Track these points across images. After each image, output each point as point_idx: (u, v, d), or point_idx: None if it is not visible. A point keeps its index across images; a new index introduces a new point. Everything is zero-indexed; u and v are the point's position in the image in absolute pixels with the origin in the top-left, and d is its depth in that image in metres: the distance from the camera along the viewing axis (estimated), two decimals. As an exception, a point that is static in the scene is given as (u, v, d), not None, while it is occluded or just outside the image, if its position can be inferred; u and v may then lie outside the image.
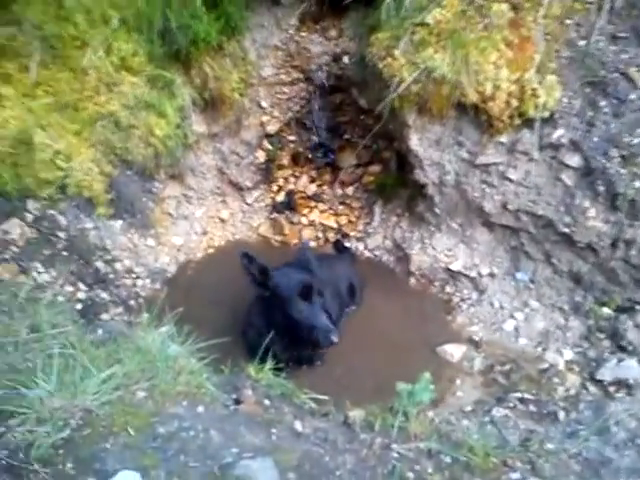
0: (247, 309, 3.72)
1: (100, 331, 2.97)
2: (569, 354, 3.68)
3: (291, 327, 3.31)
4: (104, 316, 3.75)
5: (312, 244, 5.19)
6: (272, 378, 2.69)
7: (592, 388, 3.35)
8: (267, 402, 2.46)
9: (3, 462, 1.71)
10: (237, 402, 2.36)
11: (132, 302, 4.09)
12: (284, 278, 3.40)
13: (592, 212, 3.66)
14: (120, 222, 4.33)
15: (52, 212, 3.94)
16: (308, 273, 3.48)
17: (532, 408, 3.18)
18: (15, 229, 3.74)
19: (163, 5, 4.11)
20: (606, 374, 3.38)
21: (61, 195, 3.98)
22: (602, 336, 3.66)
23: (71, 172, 3.97)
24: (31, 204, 3.87)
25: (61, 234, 3.92)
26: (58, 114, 4.04)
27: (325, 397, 2.66)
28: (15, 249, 3.70)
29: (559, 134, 3.71)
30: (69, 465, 1.76)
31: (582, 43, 3.68)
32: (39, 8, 3.94)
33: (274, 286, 3.39)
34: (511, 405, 3.22)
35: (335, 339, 3.20)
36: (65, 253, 3.89)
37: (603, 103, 3.62)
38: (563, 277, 3.93)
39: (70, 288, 3.76)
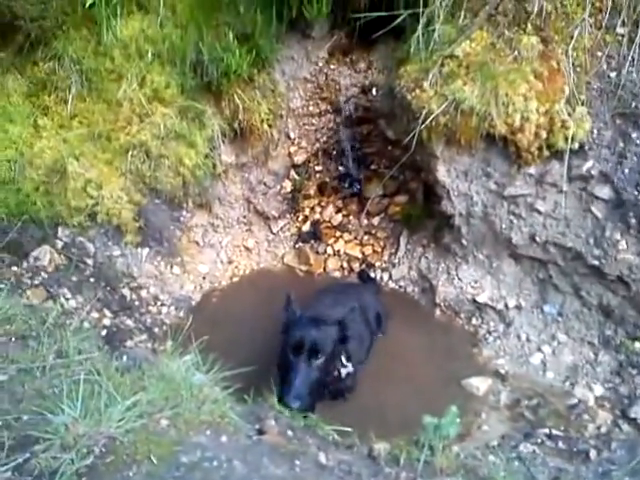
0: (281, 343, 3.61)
1: (125, 358, 2.97)
2: (599, 390, 3.59)
3: None
4: (129, 343, 3.76)
5: (336, 274, 5.18)
6: (295, 409, 2.66)
7: (625, 426, 3.26)
8: (290, 433, 2.42)
9: (27, 489, 1.71)
10: (260, 432, 2.33)
11: (157, 329, 4.12)
12: (294, 328, 3.33)
13: (623, 244, 3.60)
14: (147, 250, 4.39)
15: (81, 239, 4.02)
16: (314, 328, 3.32)
17: (561, 445, 3.10)
18: (45, 256, 3.81)
19: (196, 39, 4.23)
20: (640, 412, 3.29)
21: (91, 223, 4.07)
22: (634, 372, 3.57)
23: (101, 200, 4.07)
24: (61, 231, 3.95)
25: (89, 261, 3.99)
26: (91, 144, 4.16)
27: (349, 429, 2.61)
28: (44, 275, 3.77)
29: (589, 166, 3.67)
30: (91, 493, 1.76)
31: (613, 75, 3.66)
32: (79, 44, 4.11)
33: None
34: (539, 441, 3.14)
35: (288, 403, 2.91)
36: (92, 280, 3.95)
37: (635, 135, 3.58)
38: (592, 310, 3.86)
39: (96, 314, 3.81)
